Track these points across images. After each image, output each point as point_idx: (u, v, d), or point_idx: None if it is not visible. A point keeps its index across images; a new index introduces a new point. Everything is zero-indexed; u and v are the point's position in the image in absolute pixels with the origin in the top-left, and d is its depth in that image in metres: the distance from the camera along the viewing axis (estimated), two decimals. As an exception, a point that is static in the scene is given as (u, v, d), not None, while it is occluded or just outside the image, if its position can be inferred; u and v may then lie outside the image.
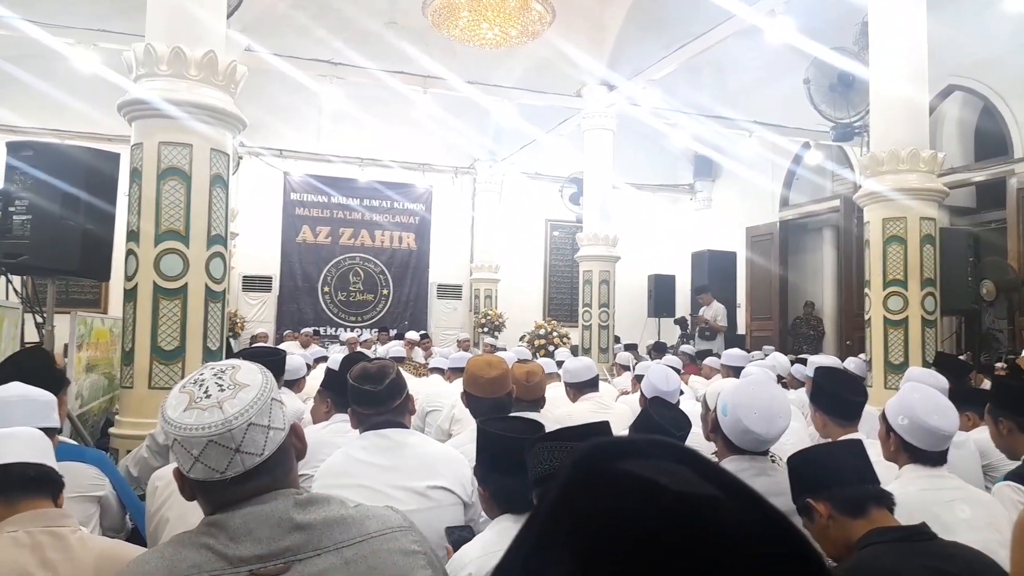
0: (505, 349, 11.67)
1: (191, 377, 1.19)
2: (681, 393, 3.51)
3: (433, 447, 2.32)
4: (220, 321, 3.89)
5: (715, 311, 9.88)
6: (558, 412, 3.64)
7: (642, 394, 3.44)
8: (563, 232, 14.35)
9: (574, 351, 8.99)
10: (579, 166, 10.67)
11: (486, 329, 12.48)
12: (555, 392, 4.20)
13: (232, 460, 1.12)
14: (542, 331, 9.74)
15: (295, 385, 4.46)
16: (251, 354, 3.44)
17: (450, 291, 13.21)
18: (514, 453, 1.75)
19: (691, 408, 3.56)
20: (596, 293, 9.40)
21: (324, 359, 6.93)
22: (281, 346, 9.69)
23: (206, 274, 3.82)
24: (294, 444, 1.21)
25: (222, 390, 1.15)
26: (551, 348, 9.34)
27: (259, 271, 12.05)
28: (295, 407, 4.21)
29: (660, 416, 2.43)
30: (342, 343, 10.48)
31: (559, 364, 5.90)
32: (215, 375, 1.18)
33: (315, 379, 5.51)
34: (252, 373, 1.19)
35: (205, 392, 1.15)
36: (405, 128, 12.45)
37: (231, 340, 10.55)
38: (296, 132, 12.25)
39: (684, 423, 2.45)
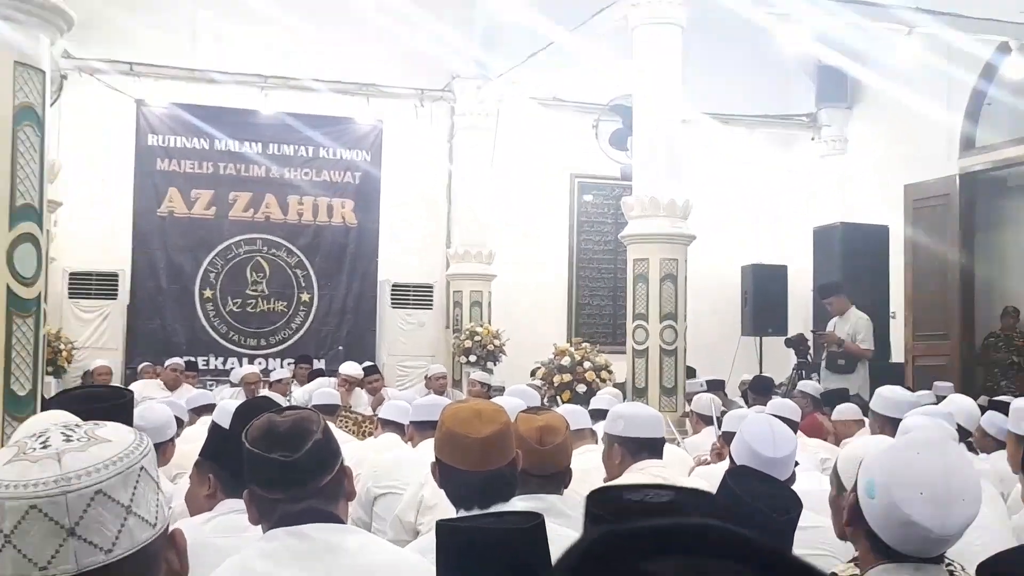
0: (504, 390, 11.63)
1: (29, 431, 1.26)
2: (796, 464, 3.50)
3: (384, 554, 2.32)
4: (33, 347, 3.91)
5: (853, 325, 9.87)
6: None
7: (732, 462, 3.44)
8: (599, 195, 14.32)
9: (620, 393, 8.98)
10: (626, 86, 10.63)
11: (473, 358, 12.46)
12: (588, 460, 4.18)
13: (61, 548, 1.17)
14: (566, 360, 9.73)
15: (157, 453, 4.45)
16: (72, 399, 3.42)
17: (413, 295, 13.23)
18: (497, 554, 1.77)
19: (812, 485, 3.53)
20: (655, 297, 9.38)
21: (207, 409, 6.91)
22: (132, 386, 9.71)
23: (7, 270, 3.86)
24: (167, 561, 1.27)
25: (68, 440, 1.23)
26: (580, 389, 9.31)
27: (96, 265, 12.08)
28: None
29: (747, 492, 2.42)
30: (235, 383, 10.50)
31: (596, 415, 5.89)
32: (64, 427, 1.27)
33: (191, 442, 5.51)
34: (121, 431, 1.28)
35: (43, 442, 1.23)
36: (337, 29, 12.43)
37: (53, 378, 10.68)
38: (158, 34, 12.27)
39: (788, 504, 2.44)
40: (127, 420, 3.59)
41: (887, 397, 5.66)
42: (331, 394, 7.69)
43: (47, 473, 1.18)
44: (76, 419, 1.32)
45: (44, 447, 1.22)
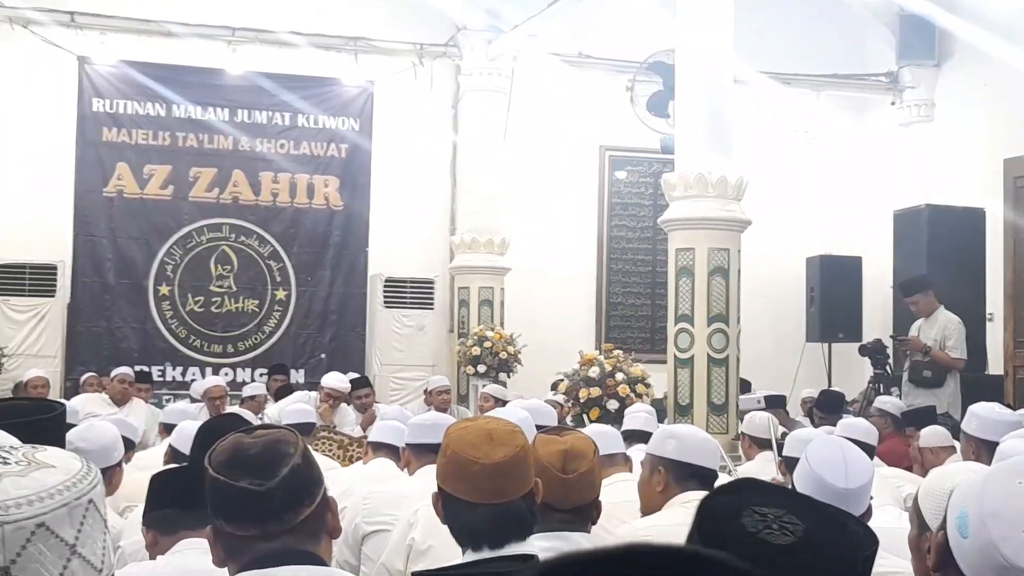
0: (521, 401, 11.63)
1: None
2: (871, 498, 3.49)
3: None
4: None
5: (942, 328, 9.83)
6: (628, 531, 3.60)
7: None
8: (635, 172, 14.31)
9: (659, 412, 8.97)
10: (667, 40, 10.61)
11: (482, 368, 12.47)
12: (620, 491, 4.17)
13: None
14: (594, 371, 9.73)
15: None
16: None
17: (410, 292, 13.25)
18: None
19: (891, 521, 3.51)
20: (702, 294, 9.37)
21: (166, 430, 6.94)
22: (73, 401, 9.73)
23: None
24: None
25: (5, 463, 1.23)
26: (612, 406, 9.31)
27: (30, 256, 12.14)
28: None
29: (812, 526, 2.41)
30: (195, 398, 10.52)
31: (630, 437, 5.87)
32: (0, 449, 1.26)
33: (143, 468, 5.53)
34: (65, 457, 1.28)
35: None
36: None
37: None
38: (103, -23, 12.32)
39: (858, 542, 2.43)
40: (57, 441, 3.58)
41: (982, 416, 5.63)
42: (306, 411, 7.65)
43: None
44: (12, 439, 1.30)
45: None
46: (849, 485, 3.29)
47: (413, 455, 4.85)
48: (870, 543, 2.41)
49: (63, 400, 10.07)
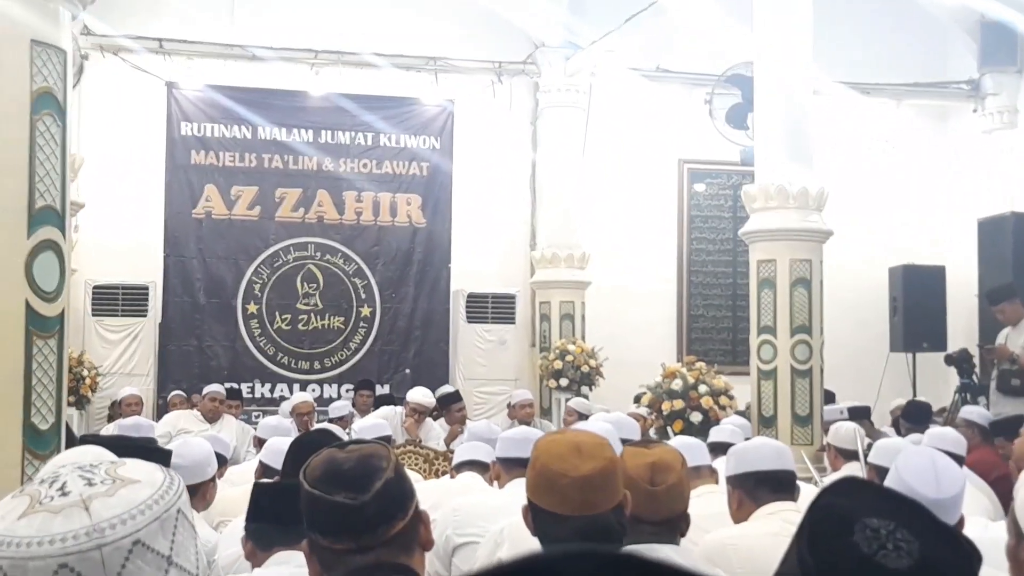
0: (604, 415, 11.61)
1: (37, 478, 1.27)
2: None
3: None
4: (56, 374, 3.97)
5: (1030, 337, 9.67)
6: (712, 541, 3.58)
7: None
8: (714, 184, 14.23)
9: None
10: (745, 52, 10.56)
11: (564, 381, 12.45)
12: (708, 504, 4.15)
13: None
14: (677, 384, 9.68)
15: (195, 495, 4.54)
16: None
17: (492, 307, 13.29)
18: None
19: (978, 532, 3.45)
20: (784, 306, 9.29)
21: (259, 443, 7.02)
22: (164, 419, 9.88)
23: (26, 283, 3.92)
24: None
25: (91, 485, 1.22)
26: (695, 418, 9.25)
27: (123, 277, 12.33)
28: (202, 537, 4.30)
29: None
30: (284, 415, 10.59)
31: (716, 449, 5.83)
32: (79, 468, 1.26)
33: (236, 483, 5.59)
34: (147, 469, 1.28)
35: (60, 489, 1.23)
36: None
37: (75, 410, 10.88)
38: (190, 5, 12.52)
39: (974, 562, 2.39)
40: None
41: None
42: (380, 425, 7.50)
43: (75, 524, 1.18)
44: (93, 452, 1.30)
45: (63, 494, 1.23)
46: (941, 495, 3.25)
47: (503, 469, 4.86)
48: (979, 560, 2.38)
49: (157, 418, 10.29)
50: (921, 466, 3.34)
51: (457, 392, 10.70)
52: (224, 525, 4.44)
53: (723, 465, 5.65)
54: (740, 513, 3.87)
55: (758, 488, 3.85)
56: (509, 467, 4.68)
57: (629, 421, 6.58)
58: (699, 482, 4.60)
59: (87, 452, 2.69)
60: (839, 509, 1.68)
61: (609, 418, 6.41)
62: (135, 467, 1.29)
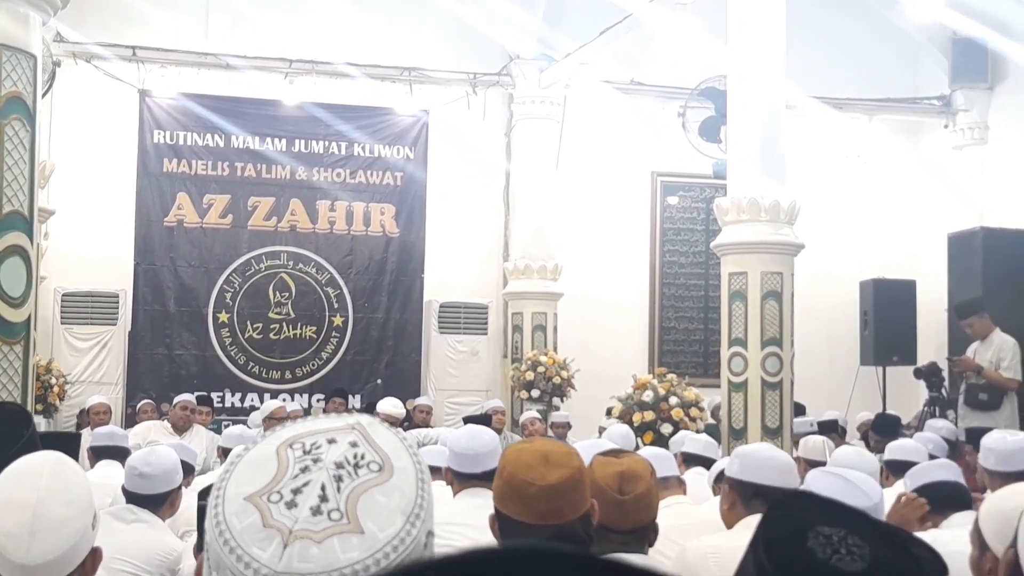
0: (570, 426, 11.66)
1: (257, 485, 1.09)
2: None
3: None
4: (21, 380, 3.97)
5: (997, 350, 9.71)
6: (693, 549, 3.57)
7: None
8: (687, 197, 14.26)
9: (713, 434, 8.91)
10: (719, 66, 10.59)
11: (536, 392, 12.44)
12: (676, 515, 4.14)
13: None
14: (648, 395, 9.69)
15: (163, 504, 4.50)
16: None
17: (465, 318, 13.29)
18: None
19: (951, 545, 3.46)
20: (755, 318, 9.31)
21: (223, 453, 6.98)
22: (135, 429, 9.80)
23: (-8, 288, 3.92)
24: None
25: (339, 480, 1.06)
26: (666, 429, 9.26)
27: (93, 285, 12.28)
28: (163, 547, 4.26)
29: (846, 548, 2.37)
30: (252, 425, 10.52)
31: (687, 460, 5.83)
32: (338, 456, 1.09)
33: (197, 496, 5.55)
34: (398, 448, 1.12)
35: (312, 507, 1.06)
36: (374, 3, 12.53)
37: (42, 418, 10.79)
38: (164, 13, 12.48)
39: (927, 568, 2.38)
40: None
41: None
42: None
43: (352, 555, 1.04)
44: (330, 422, 1.13)
45: (322, 500, 1.06)
46: (871, 502, 3.23)
47: (455, 480, 4.82)
48: (940, 570, 2.37)
49: (126, 428, 10.21)
50: (835, 485, 3.30)
51: (426, 404, 10.70)
52: (189, 535, 4.40)
53: (695, 477, 5.67)
54: (729, 514, 3.85)
55: (755, 499, 3.83)
56: (461, 480, 4.63)
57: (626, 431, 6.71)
58: (667, 493, 4.59)
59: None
60: (792, 519, 1.71)
61: (614, 434, 6.52)
62: (384, 436, 1.14)
